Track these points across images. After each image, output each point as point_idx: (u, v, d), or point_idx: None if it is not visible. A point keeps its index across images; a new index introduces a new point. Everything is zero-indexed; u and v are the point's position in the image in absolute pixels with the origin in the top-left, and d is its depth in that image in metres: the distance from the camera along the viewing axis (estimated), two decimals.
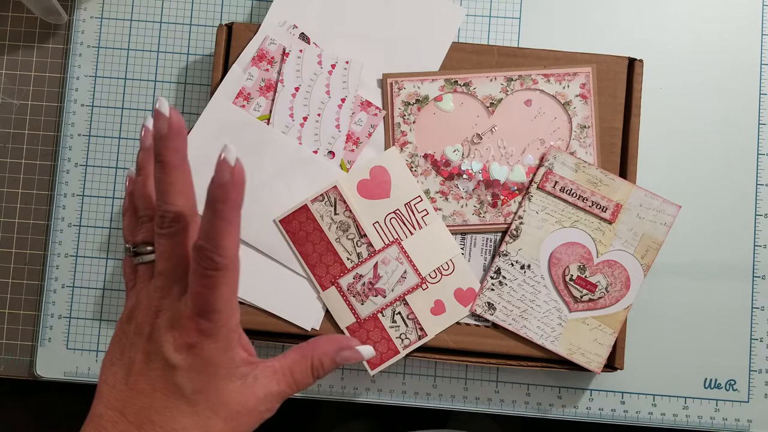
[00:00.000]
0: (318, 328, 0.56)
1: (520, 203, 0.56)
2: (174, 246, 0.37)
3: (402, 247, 0.56)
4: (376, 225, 0.56)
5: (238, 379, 0.38)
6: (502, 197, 0.56)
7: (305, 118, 0.56)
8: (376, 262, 0.55)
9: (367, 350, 0.43)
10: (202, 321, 0.36)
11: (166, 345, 0.36)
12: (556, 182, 0.55)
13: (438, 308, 0.55)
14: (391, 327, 0.55)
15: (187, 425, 0.36)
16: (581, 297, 0.55)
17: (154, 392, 0.36)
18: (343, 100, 0.56)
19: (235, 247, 0.35)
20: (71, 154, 0.61)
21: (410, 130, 0.57)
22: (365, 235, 0.55)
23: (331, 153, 0.56)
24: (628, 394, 0.59)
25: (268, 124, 0.56)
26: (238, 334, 0.39)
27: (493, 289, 0.56)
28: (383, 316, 0.55)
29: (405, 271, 0.55)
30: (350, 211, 0.55)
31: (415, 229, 0.56)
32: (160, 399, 0.36)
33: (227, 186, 0.34)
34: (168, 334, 0.36)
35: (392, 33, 0.58)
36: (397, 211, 0.56)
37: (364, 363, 0.55)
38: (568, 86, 0.56)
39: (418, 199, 0.56)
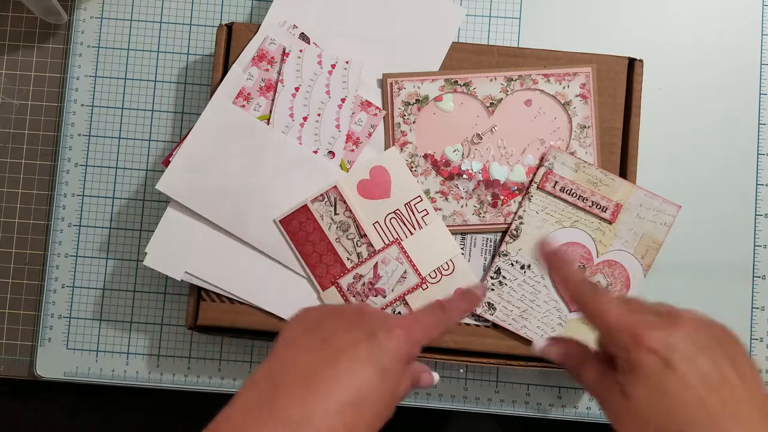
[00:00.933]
0: None
1: (520, 203, 0.56)
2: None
3: (402, 247, 0.56)
4: (376, 225, 0.56)
5: None
6: (502, 197, 0.56)
7: (305, 118, 0.56)
8: (376, 262, 0.55)
9: (436, 376, 0.47)
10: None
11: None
12: (556, 182, 0.55)
13: None
14: None
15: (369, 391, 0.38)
16: None
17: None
18: (343, 100, 0.56)
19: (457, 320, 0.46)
20: (71, 154, 0.61)
21: (410, 130, 0.57)
22: (365, 235, 0.55)
23: (331, 153, 0.56)
24: None
25: (268, 124, 0.56)
26: None
27: (493, 289, 0.56)
28: None
29: (405, 271, 0.55)
30: (350, 211, 0.55)
31: (415, 229, 0.56)
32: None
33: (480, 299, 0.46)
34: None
35: (392, 33, 0.58)
36: (397, 211, 0.56)
37: None
38: (568, 86, 0.56)
39: (418, 199, 0.56)
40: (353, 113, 0.56)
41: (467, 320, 0.56)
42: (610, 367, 0.41)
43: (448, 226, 0.56)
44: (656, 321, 0.39)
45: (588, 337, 0.55)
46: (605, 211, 0.55)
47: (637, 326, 0.39)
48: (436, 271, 0.56)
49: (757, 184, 0.60)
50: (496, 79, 0.56)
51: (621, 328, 0.39)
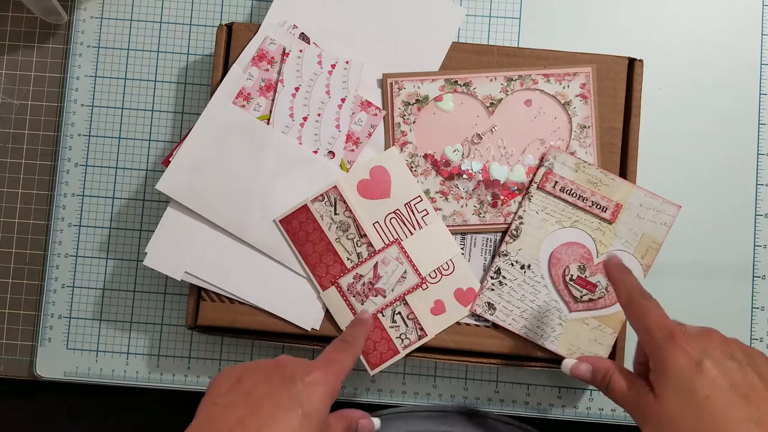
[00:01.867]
0: (318, 328, 0.56)
1: (520, 203, 0.56)
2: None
3: (402, 247, 0.56)
4: (376, 225, 0.56)
5: None
6: (502, 197, 0.56)
7: (305, 118, 0.56)
8: (376, 262, 0.55)
9: (377, 422, 0.48)
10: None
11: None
12: (556, 182, 0.55)
13: (438, 308, 0.55)
14: (391, 327, 0.55)
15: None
16: (581, 297, 0.55)
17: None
18: (343, 100, 0.56)
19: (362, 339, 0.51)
20: (71, 154, 0.61)
21: (410, 130, 0.57)
22: (365, 235, 0.55)
23: (331, 153, 0.56)
24: None
25: (268, 124, 0.56)
26: None
27: (493, 289, 0.56)
28: (383, 316, 0.55)
29: (405, 271, 0.55)
30: (350, 211, 0.55)
31: (415, 229, 0.56)
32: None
33: (369, 321, 0.54)
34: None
35: (392, 33, 0.58)
36: (397, 211, 0.56)
37: (364, 363, 0.55)
38: (568, 86, 0.56)
39: (418, 199, 0.56)
40: (353, 113, 0.56)
41: (467, 320, 0.56)
42: (641, 376, 0.43)
43: (448, 226, 0.56)
44: (691, 328, 0.42)
45: (586, 338, 0.55)
46: (605, 211, 0.55)
47: (673, 328, 0.41)
48: (436, 271, 0.56)
49: (757, 184, 0.60)
50: (496, 79, 0.56)
51: (658, 327, 0.41)
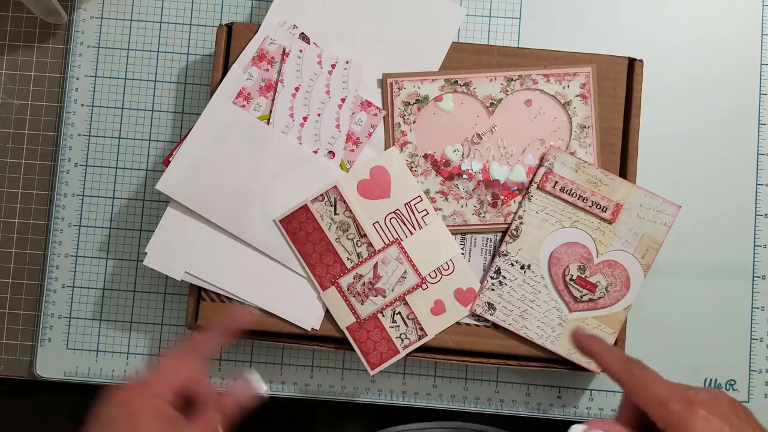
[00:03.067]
0: (318, 328, 0.56)
1: (520, 203, 0.56)
2: None
3: (402, 247, 0.56)
4: (376, 225, 0.56)
5: None
6: (502, 197, 0.56)
7: (305, 118, 0.56)
8: (376, 262, 0.55)
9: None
10: None
11: None
12: (556, 182, 0.55)
13: (438, 308, 0.55)
14: (391, 327, 0.55)
15: None
16: (581, 297, 0.55)
17: None
18: (343, 100, 0.56)
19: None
20: (71, 154, 0.61)
21: (410, 130, 0.57)
22: (365, 235, 0.55)
23: (331, 153, 0.56)
24: None
25: (268, 124, 0.56)
26: None
27: (493, 289, 0.56)
28: (383, 316, 0.55)
29: (405, 271, 0.55)
30: (350, 211, 0.55)
31: (415, 229, 0.56)
32: None
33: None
34: None
35: (392, 33, 0.58)
36: (397, 211, 0.56)
37: (364, 363, 0.55)
38: (568, 86, 0.56)
39: (418, 199, 0.56)
40: (353, 113, 0.56)
41: (467, 320, 0.56)
42: None
43: (448, 226, 0.56)
44: (701, 392, 0.42)
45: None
46: (605, 211, 0.55)
47: (691, 396, 0.41)
48: (436, 271, 0.56)
49: (757, 184, 0.60)
50: (496, 79, 0.56)
51: (676, 398, 0.41)
